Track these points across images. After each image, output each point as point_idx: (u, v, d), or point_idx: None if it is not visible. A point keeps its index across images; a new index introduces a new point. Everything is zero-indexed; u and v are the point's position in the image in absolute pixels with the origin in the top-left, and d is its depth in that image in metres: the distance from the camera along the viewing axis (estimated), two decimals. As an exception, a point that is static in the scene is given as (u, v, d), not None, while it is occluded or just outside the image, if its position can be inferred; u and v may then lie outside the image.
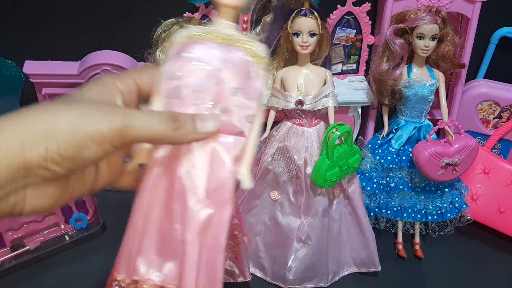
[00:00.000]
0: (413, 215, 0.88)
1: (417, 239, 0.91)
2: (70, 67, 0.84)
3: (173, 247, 0.35)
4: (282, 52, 0.79)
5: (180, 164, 0.35)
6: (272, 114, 0.81)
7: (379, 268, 0.85)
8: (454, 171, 0.82)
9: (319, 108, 0.78)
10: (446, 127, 0.82)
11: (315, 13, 0.74)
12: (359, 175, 0.86)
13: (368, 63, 0.90)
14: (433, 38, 0.79)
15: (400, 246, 0.91)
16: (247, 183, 0.35)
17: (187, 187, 0.35)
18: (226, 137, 0.35)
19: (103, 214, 0.90)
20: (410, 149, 0.85)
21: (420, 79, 0.83)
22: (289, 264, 0.81)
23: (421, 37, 0.79)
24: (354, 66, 0.91)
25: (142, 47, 0.75)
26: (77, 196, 0.36)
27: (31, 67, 0.83)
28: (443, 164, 0.80)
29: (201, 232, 0.34)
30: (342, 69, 0.91)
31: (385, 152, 0.86)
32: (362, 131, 0.94)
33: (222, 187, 0.35)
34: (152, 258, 0.36)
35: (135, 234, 0.35)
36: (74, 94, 0.34)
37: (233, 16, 0.36)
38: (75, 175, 0.34)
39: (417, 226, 0.91)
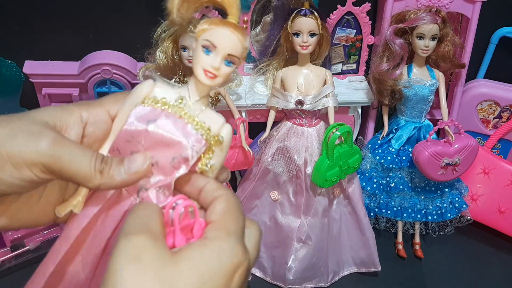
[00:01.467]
0: (413, 215, 0.88)
1: (417, 239, 0.91)
2: (70, 67, 0.84)
3: None
4: (282, 52, 0.79)
5: (111, 225, 0.33)
6: (272, 114, 0.81)
7: (379, 268, 0.85)
8: (454, 171, 0.82)
9: (319, 108, 0.78)
10: (446, 127, 0.82)
11: (315, 13, 0.74)
12: (359, 175, 0.86)
13: (368, 63, 0.90)
14: (433, 38, 0.79)
15: (400, 246, 0.91)
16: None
17: None
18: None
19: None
20: (410, 149, 0.85)
21: (420, 79, 0.83)
22: (289, 264, 0.81)
23: (421, 37, 0.79)
24: (354, 66, 0.91)
25: (142, 47, 0.75)
26: (26, 225, 0.33)
27: (31, 67, 0.83)
28: (443, 164, 0.80)
29: None
30: (342, 69, 0.90)
31: (385, 152, 0.86)
32: (362, 131, 0.94)
33: None
34: None
35: (43, 278, 0.33)
36: (26, 112, 0.31)
37: (206, 93, 0.34)
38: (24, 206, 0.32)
39: (417, 226, 0.91)
